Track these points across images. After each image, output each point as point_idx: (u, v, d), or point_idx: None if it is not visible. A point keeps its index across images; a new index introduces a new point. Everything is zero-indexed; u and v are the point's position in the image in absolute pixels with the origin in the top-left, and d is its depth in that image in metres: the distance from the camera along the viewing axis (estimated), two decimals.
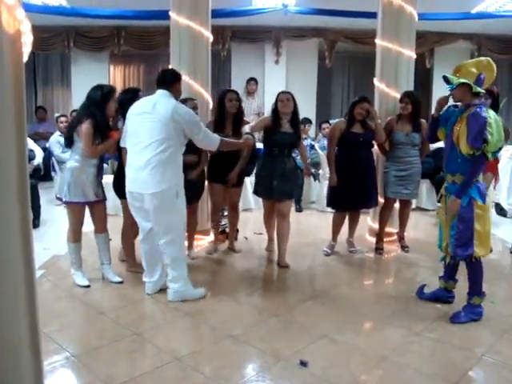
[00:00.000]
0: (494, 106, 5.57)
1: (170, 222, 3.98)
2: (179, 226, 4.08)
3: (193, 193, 5.07)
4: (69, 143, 4.34)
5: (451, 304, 4.08)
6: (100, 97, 4.27)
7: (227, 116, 5.15)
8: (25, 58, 1.25)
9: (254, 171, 5.25)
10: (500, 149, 3.74)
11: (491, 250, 3.86)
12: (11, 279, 1.20)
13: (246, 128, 5.08)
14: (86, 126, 4.18)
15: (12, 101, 1.15)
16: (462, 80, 3.61)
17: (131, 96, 4.49)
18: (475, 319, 3.78)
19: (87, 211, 4.51)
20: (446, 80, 3.70)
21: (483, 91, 3.69)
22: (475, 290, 3.82)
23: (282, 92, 5.06)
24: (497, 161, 5.96)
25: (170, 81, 4.12)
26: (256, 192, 5.25)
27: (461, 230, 3.69)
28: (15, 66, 1.16)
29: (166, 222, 3.98)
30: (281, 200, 4.97)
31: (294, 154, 5.15)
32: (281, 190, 4.89)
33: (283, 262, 5.03)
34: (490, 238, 3.88)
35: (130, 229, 4.67)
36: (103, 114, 4.30)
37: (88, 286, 4.40)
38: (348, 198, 5.36)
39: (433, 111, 4.08)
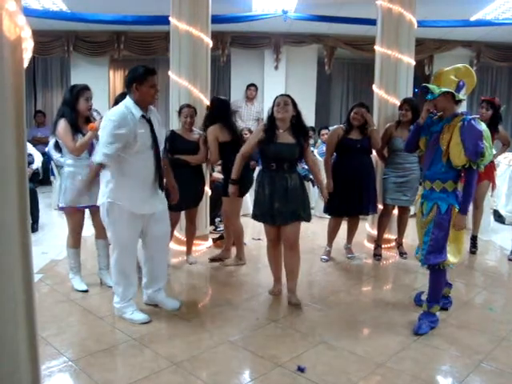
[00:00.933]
0: (496, 117, 5.63)
1: (112, 238, 3.86)
2: (118, 247, 3.80)
3: (190, 198, 5.06)
4: (59, 149, 4.36)
5: (447, 310, 4.07)
6: (70, 96, 4.25)
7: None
8: (25, 64, 1.26)
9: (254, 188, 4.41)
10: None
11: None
12: (10, 284, 1.21)
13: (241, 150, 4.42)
14: (60, 126, 4.18)
15: (12, 106, 1.16)
16: (445, 89, 3.54)
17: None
18: (434, 327, 3.76)
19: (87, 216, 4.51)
20: (426, 90, 3.59)
21: (464, 98, 3.67)
22: (437, 298, 3.81)
23: (280, 95, 4.29)
24: (493, 168, 5.99)
25: (126, 84, 3.75)
26: (255, 216, 4.35)
27: (436, 237, 3.64)
28: (15, 72, 1.17)
29: (110, 236, 3.89)
30: (286, 224, 4.18)
31: (301, 169, 4.73)
32: (284, 212, 4.12)
33: (294, 299, 4.25)
34: (463, 245, 3.91)
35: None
36: (74, 112, 4.23)
37: (86, 291, 4.39)
38: (344, 204, 5.37)
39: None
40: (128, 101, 3.68)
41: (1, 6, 1.06)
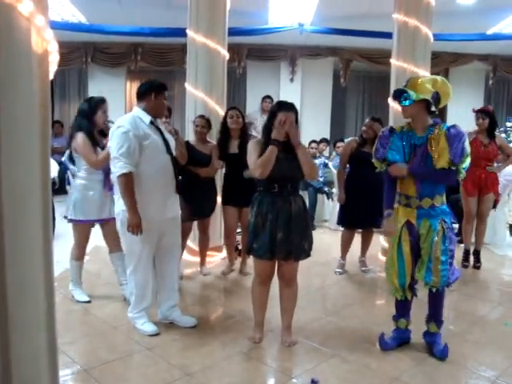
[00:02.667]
0: (493, 124, 5.71)
1: (127, 249, 3.87)
2: (133, 257, 3.79)
3: (202, 208, 5.08)
4: (72, 161, 4.33)
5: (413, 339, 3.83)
6: (88, 108, 4.25)
7: (232, 133, 5.15)
8: (51, 77, 1.30)
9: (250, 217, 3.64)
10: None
11: None
12: (33, 291, 1.23)
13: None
14: (79, 140, 4.15)
15: (39, 118, 1.19)
16: (422, 96, 3.33)
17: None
18: None
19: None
20: (399, 93, 3.41)
21: (436, 110, 3.46)
22: (441, 317, 3.68)
23: (283, 107, 3.51)
24: (497, 181, 5.95)
25: (141, 92, 3.79)
26: (251, 250, 3.61)
27: (452, 252, 3.51)
28: (42, 85, 1.20)
29: (124, 247, 3.88)
30: (286, 259, 3.55)
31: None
32: (286, 244, 3.47)
33: (288, 340, 3.69)
34: None
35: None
36: (91, 125, 4.23)
37: (89, 302, 4.39)
38: (357, 217, 5.38)
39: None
40: (136, 110, 3.76)
41: (30, 21, 1.09)
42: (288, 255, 3.51)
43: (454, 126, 3.44)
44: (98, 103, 4.27)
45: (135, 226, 3.56)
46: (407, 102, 3.37)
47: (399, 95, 3.41)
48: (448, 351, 3.53)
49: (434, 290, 3.56)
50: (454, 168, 3.38)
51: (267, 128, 3.53)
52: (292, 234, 3.47)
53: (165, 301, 3.98)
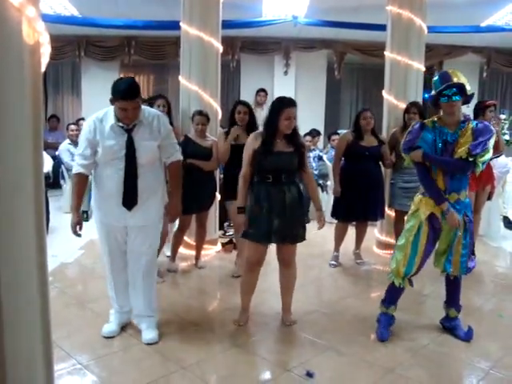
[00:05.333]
0: None
1: None
2: (102, 254, 3.74)
3: (201, 201, 5.08)
4: None
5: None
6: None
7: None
8: (42, 69, 1.28)
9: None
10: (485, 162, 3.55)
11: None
12: (27, 286, 1.22)
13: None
14: None
15: (31, 109, 1.18)
16: (472, 91, 3.47)
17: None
18: None
19: None
20: (454, 87, 3.39)
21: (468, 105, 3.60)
22: (459, 301, 3.85)
23: (288, 103, 3.67)
24: (493, 173, 5.98)
25: None
26: (247, 234, 3.76)
27: (470, 244, 3.66)
28: (34, 77, 1.19)
29: None
30: (283, 243, 3.79)
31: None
32: (282, 230, 3.67)
33: (289, 320, 3.95)
34: None
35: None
36: None
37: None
38: (351, 210, 5.39)
39: None
40: (111, 108, 3.47)
41: (21, 11, 1.08)
42: (283, 239, 3.74)
43: (482, 122, 3.53)
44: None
45: (72, 226, 3.50)
46: (458, 96, 3.41)
47: (452, 88, 3.39)
48: (473, 334, 3.66)
49: (451, 277, 3.75)
50: (471, 159, 3.42)
51: (273, 122, 3.68)
52: (287, 221, 3.68)
53: (132, 306, 3.78)
